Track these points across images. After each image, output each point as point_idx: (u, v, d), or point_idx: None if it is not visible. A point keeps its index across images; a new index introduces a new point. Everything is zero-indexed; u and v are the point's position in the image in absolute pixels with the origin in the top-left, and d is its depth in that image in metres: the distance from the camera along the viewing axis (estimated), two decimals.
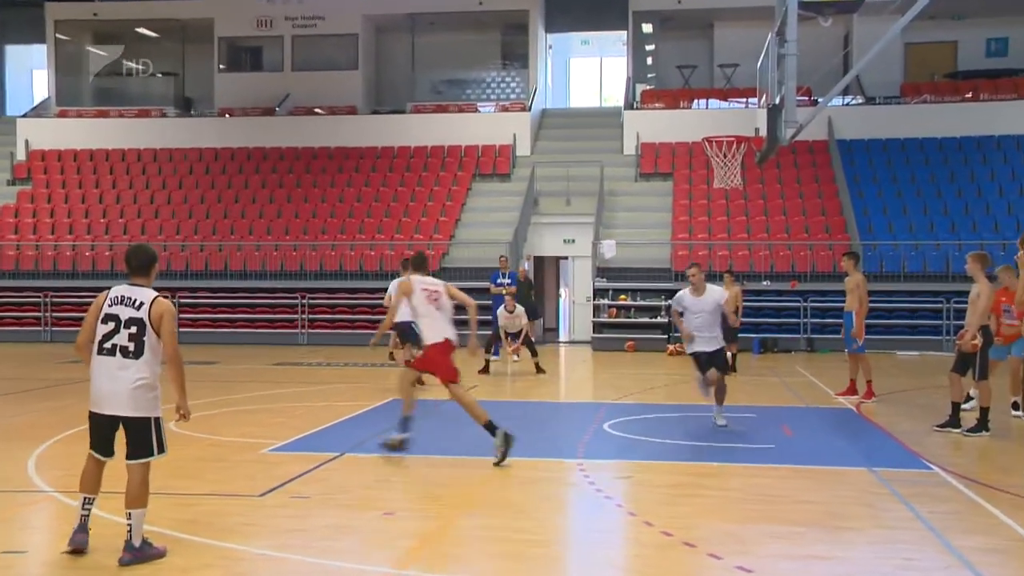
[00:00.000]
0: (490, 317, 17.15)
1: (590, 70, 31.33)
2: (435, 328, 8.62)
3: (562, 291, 25.88)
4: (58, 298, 22.07)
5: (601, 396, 13.80)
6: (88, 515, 5.66)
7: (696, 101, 26.59)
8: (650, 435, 9.91)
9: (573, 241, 23.29)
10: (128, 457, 5.60)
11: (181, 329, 21.55)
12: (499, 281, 17.90)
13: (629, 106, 26.41)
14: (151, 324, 5.52)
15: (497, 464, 8.05)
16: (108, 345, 5.53)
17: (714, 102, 26.33)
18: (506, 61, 29.05)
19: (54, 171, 26.15)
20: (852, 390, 12.51)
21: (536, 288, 22.74)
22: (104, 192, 25.16)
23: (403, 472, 8.07)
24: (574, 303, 23.33)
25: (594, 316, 21.13)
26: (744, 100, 24.93)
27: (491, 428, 8.26)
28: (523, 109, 26.69)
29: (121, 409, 5.53)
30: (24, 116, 28.01)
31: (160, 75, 29.79)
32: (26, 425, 10.33)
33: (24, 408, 11.56)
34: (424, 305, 8.62)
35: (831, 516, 6.62)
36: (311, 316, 21.69)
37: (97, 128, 27.29)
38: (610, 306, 20.96)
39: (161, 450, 5.65)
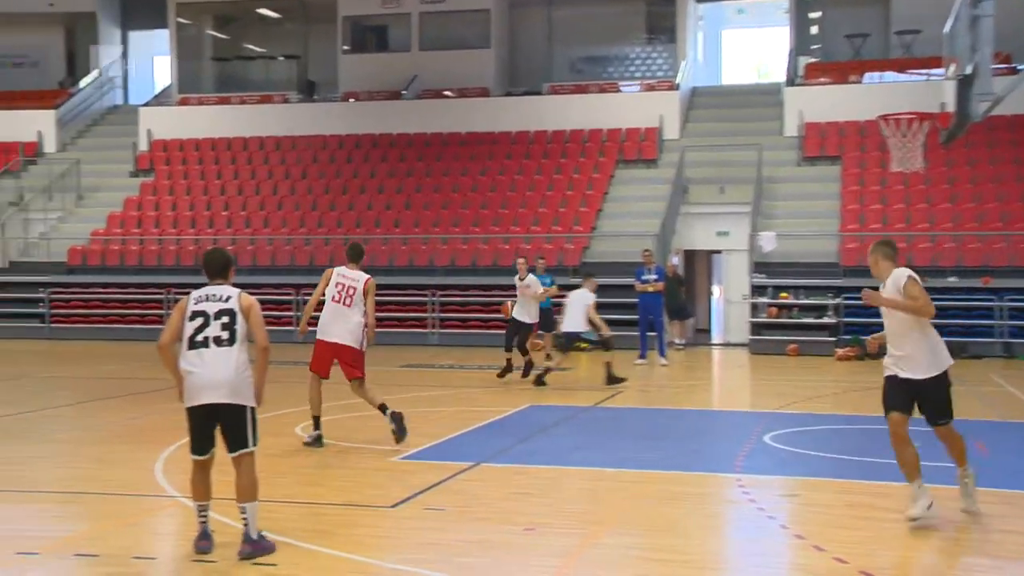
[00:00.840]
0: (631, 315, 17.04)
1: (746, 43, 30.74)
2: (333, 326, 9.63)
3: (715, 289, 25.51)
4: (181, 294, 23.11)
5: (761, 405, 13.56)
6: (206, 520, 6.05)
7: (869, 74, 25.73)
8: (818, 449, 9.67)
9: (727, 233, 22.92)
10: (229, 451, 6.02)
11: (309, 327, 22.28)
12: (644, 278, 17.81)
13: (791, 82, 25.79)
14: (241, 313, 6.04)
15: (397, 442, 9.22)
16: (200, 338, 6.00)
17: (890, 75, 25.40)
18: (652, 35, 28.81)
19: (176, 161, 27.49)
20: None
21: (686, 285, 22.52)
22: (226, 183, 26.28)
23: (544, 484, 8.13)
24: (728, 302, 22.96)
25: (751, 316, 20.74)
26: (926, 71, 23.94)
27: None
28: (671, 88, 26.43)
29: (221, 396, 5.95)
30: (146, 105, 29.54)
31: (282, 58, 30.90)
32: (151, 427, 10.91)
33: (149, 409, 12.20)
34: (330, 297, 9.58)
35: None
36: (442, 315, 22.08)
37: (218, 115, 28.53)
38: (769, 305, 20.53)
39: (255, 441, 6.08)
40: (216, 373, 5.96)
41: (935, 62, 23.37)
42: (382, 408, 9.53)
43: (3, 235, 25.49)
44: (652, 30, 28.78)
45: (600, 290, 21.30)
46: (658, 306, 17.89)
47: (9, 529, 6.64)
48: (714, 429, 11.58)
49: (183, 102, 29.44)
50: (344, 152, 26.87)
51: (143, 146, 28.19)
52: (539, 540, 6.46)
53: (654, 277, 17.78)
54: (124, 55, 32.50)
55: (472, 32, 28.37)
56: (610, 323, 20.80)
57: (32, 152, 28.52)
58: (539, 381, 14.34)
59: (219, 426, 6.08)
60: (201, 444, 6.07)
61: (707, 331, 24.71)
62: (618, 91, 27.44)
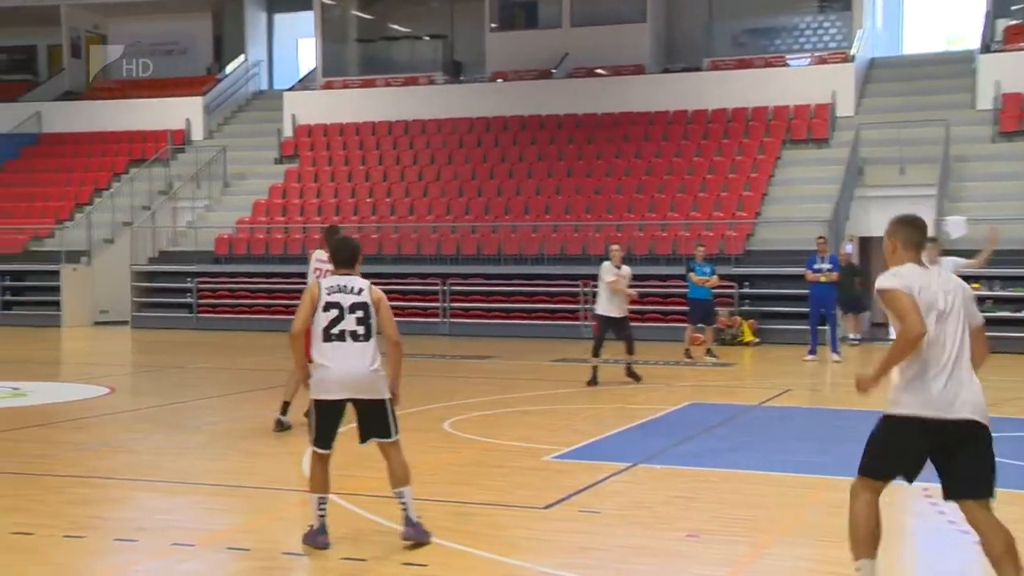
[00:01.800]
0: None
1: (933, 6, 29.55)
2: None
3: None
4: None
5: None
6: (325, 514, 6.27)
7: None
8: (1016, 457, 9.24)
9: None
10: (376, 438, 6.33)
11: (453, 320, 22.73)
12: (816, 267, 17.39)
13: (986, 48, 24.66)
14: (373, 307, 6.25)
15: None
16: (336, 331, 6.20)
17: None
18: (824, 2, 28.03)
19: (320, 147, 28.36)
20: None
21: (862, 275, 21.87)
22: (370, 169, 26.95)
23: (706, 488, 8.06)
24: None
25: None
26: None
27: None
28: (845, 59, 25.67)
29: (359, 392, 6.19)
30: (291, 89, 30.56)
31: (428, 38, 31.43)
32: (298, 420, 11.28)
33: (296, 402, 12.58)
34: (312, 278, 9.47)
35: None
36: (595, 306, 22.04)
37: (363, 99, 29.27)
38: None
39: (398, 430, 6.34)
40: (352, 368, 6.17)
41: None
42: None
43: (153, 224, 26.83)
44: None
45: (765, 280, 21.06)
46: (831, 298, 17.46)
47: (164, 520, 7.00)
48: None
49: (327, 86, 30.30)
50: (491, 135, 27.15)
51: (288, 132, 29.17)
52: (703, 547, 6.40)
53: (828, 266, 17.35)
54: (269, 39, 33.68)
55: (627, 5, 28.22)
56: (778, 316, 20.54)
57: (180, 140, 29.92)
58: (630, 374, 14.13)
59: (359, 420, 6.32)
60: (327, 437, 6.31)
61: (884, 325, 23.90)
62: (785, 65, 26.82)
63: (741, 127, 25.12)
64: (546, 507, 7.30)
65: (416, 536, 6.21)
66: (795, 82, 25.68)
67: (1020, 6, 26.39)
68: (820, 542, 6.59)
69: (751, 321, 20.48)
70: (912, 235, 5.28)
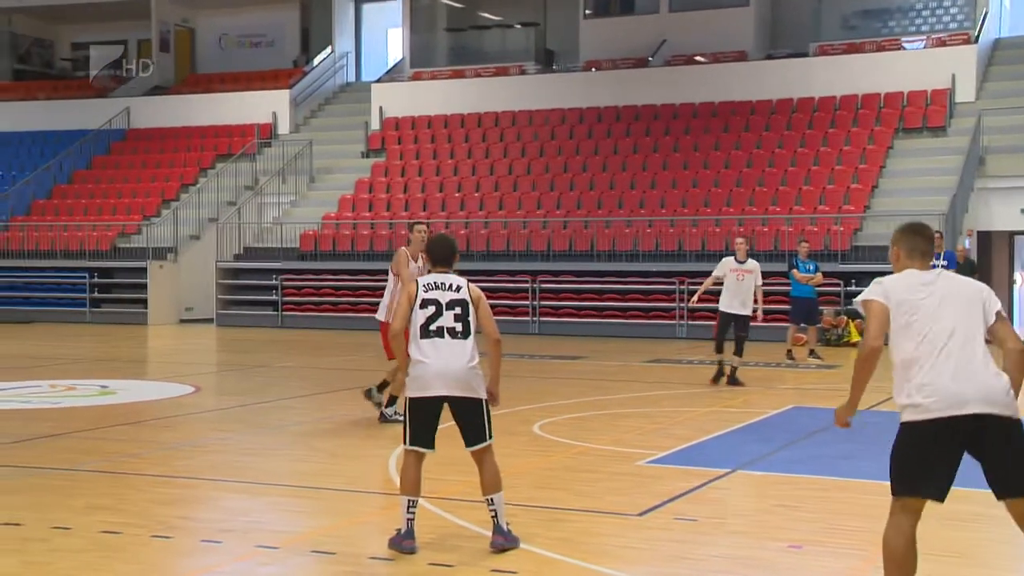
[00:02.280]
0: None
1: None
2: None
3: (1018, 276, 24.09)
4: None
5: None
6: (414, 517, 6.31)
7: None
8: None
9: None
10: (467, 445, 6.35)
11: (543, 319, 22.76)
12: (932, 263, 16.98)
13: None
14: (472, 304, 6.35)
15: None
16: (434, 328, 6.27)
17: None
18: None
19: (408, 140, 28.64)
20: None
21: (981, 272, 21.32)
22: (459, 163, 27.12)
23: (810, 497, 7.93)
24: None
25: None
26: None
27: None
28: (966, 41, 25.04)
29: (456, 390, 6.25)
30: (378, 81, 30.91)
31: (519, 26, 31.50)
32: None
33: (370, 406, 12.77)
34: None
35: None
36: (691, 305, 21.88)
37: (451, 90, 29.47)
38: None
39: (491, 434, 6.38)
40: (450, 365, 6.23)
41: None
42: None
43: (239, 220, 27.41)
44: None
45: (873, 278, 20.60)
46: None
47: (250, 521, 7.14)
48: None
49: (415, 77, 30.59)
50: (585, 127, 27.11)
51: (375, 125, 29.52)
52: (808, 560, 6.30)
53: (943, 263, 16.94)
54: (357, 30, 34.12)
55: None
56: None
57: (267, 134, 30.51)
58: (733, 380, 13.97)
59: (456, 420, 6.38)
60: (424, 436, 6.37)
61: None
62: (900, 48, 26.29)
63: (850, 115, 24.69)
64: (640, 514, 7.26)
65: (505, 544, 6.25)
66: (910, 66, 25.16)
67: None
68: (941, 557, 6.42)
69: (858, 321, 20.08)
70: (917, 243, 5.20)
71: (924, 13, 27.17)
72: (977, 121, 22.60)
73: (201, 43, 34.80)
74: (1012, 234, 23.28)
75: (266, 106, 30.94)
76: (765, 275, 20.89)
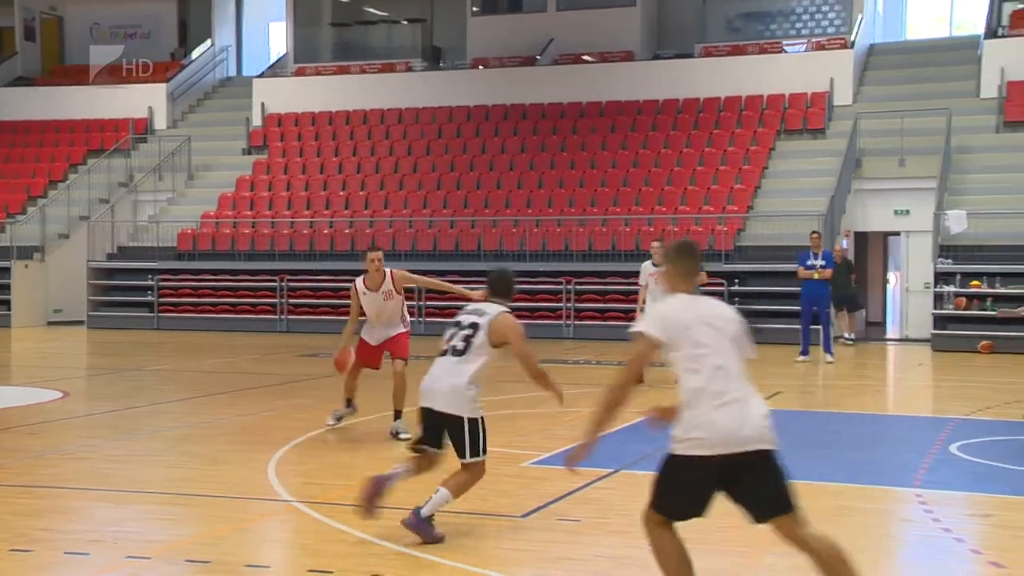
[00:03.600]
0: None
1: None
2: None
3: (891, 276, 24.87)
4: (295, 281, 23.85)
5: (946, 409, 13.14)
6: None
7: None
8: (1016, 462, 9.31)
9: (907, 212, 22.27)
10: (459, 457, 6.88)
11: (427, 319, 22.70)
12: (810, 263, 17.45)
13: (991, 34, 24.82)
14: (485, 328, 6.89)
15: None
16: (445, 347, 6.98)
17: None
18: None
19: (291, 137, 28.29)
20: None
21: (857, 271, 21.98)
22: (344, 160, 26.90)
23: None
24: (907, 291, 22.32)
25: (935, 307, 20.10)
26: None
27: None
28: (844, 46, 25.79)
29: (436, 404, 6.89)
30: (260, 76, 30.46)
31: (405, 22, 31.38)
32: (262, 426, 11.28)
33: (261, 406, 12.61)
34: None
35: None
36: (578, 305, 22.11)
37: (336, 86, 29.21)
38: (957, 295, 19.86)
39: (471, 454, 6.89)
40: (436, 381, 6.84)
41: None
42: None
43: (112, 218, 26.71)
44: None
45: (755, 277, 21.11)
46: (824, 296, 17.53)
47: (120, 531, 6.97)
48: (889, 436, 11.28)
49: (299, 72, 30.24)
50: (472, 125, 27.15)
51: (256, 121, 29.08)
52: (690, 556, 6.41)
53: (821, 263, 17.41)
54: (238, 23, 33.55)
55: None
56: (768, 315, 20.59)
57: (142, 129, 29.80)
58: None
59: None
60: (427, 438, 7.07)
61: (881, 324, 24.06)
62: (781, 51, 26.95)
63: (734, 117, 25.20)
64: (523, 515, 7.32)
65: (411, 525, 6.52)
66: (791, 69, 25.79)
67: None
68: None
69: None
70: (692, 266, 5.19)
71: (804, 17, 27.91)
72: (854, 124, 23.27)
73: (70, 33, 33.75)
74: (886, 234, 24.04)
75: (142, 100, 30.21)
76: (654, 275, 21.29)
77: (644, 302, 14.41)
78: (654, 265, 14.10)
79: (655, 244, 14.61)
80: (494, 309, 6.98)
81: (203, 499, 7.94)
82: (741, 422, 4.82)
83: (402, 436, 9.70)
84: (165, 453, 9.94)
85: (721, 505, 5.03)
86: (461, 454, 6.76)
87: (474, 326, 6.84)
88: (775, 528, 5.00)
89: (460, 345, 6.77)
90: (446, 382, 6.70)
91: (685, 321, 4.99)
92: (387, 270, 10.42)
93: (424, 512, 6.52)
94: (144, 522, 7.35)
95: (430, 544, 6.44)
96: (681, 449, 4.92)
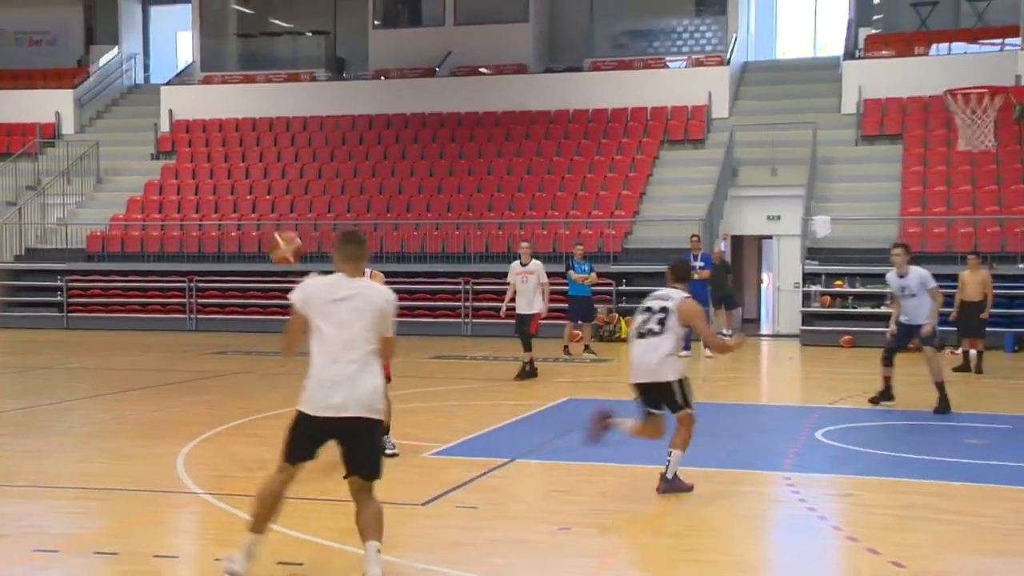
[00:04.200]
0: None
1: (802, 14, 30.45)
2: None
3: (764, 276, 25.40)
4: (203, 282, 23.43)
5: (812, 399, 13.50)
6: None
7: (936, 46, 25.42)
8: (874, 446, 9.63)
9: (778, 218, 22.79)
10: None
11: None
12: (691, 265, 17.72)
13: (850, 55, 25.55)
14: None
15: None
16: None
17: (959, 46, 25.06)
18: (701, 6, 28.67)
19: (199, 143, 27.76)
20: None
21: (734, 272, 22.42)
22: (251, 165, 26.50)
23: (580, 482, 8.18)
24: (779, 290, 22.85)
25: (803, 305, 20.64)
26: (1000, 41, 23.63)
27: None
28: (720, 63, 26.29)
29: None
30: (168, 83, 29.83)
31: (310, 34, 31.06)
32: (172, 421, 11.07)
33: (169, 402, 12.36)
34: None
35: None
36: (476, 304, 22.15)
37: (243, 94, 28.75)
38: (822, 293, 20.42)
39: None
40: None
41: (1011, 31, 22.95)
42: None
43: (20, 221, 25.89)
44: (701, 1, 28.63)
45: (641, 277, 21.40)
46: (704, 295, 17.82)
47: (27, 525, 6.78)
48: (762, 424, 11.54)
49: (206, 81, 29.70)
50: (374, 132, 27.00)
51: (164, 127, 28.49)
52: (575, 540, 6.50)
53: (701, 264, 17.72)
54: (145, 31, 32.80)
55: (510, 5, 28.36)
56: None
57: (50, 134, 28.93)
58: (527, 374, 14.44)
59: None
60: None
61: (755, 321, 24.58)
62: (664, 67, 27.34)
63: (620, 127, 25.50)
64: (424, 503, 7.33)
65: (667, 490, 7.47)
66: (672, 84, 26.17)
67: (880, 16, 27.43)
68: (690, 532, 6.76)
69: (628, 318, 20.80)
70: (351, 250, 5.68)
71: (684, 36, 28.37)
72: (730, 136, 23.73)
73: None
74: (760, 238, 24.56)
75: (48, 105, 29.32)
76: (553, 275, 21.43)
77: (511, 299, 14.79)
78: (522, 265, 14.40)
79: (524, 244, 15.19)
80: (678, 295, 7.70)
81: (113, 492, 7.78)
82: (348, 391, 5.33)
83: (388, 452, 8.97)
84: (75, 449, 9.69)
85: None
86: (674, 409, 7.64)
87: (664, 310, 7.61)
88: (349, 485, 5.55)
89: (656, 328, 7.59)
90: (651, 358, 7.57)
91: (325, 297, 5.50)
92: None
93: (669, 474, 7.49)
94: (53, 516, 7.16)
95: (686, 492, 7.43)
96: (299, 404, 5.48)
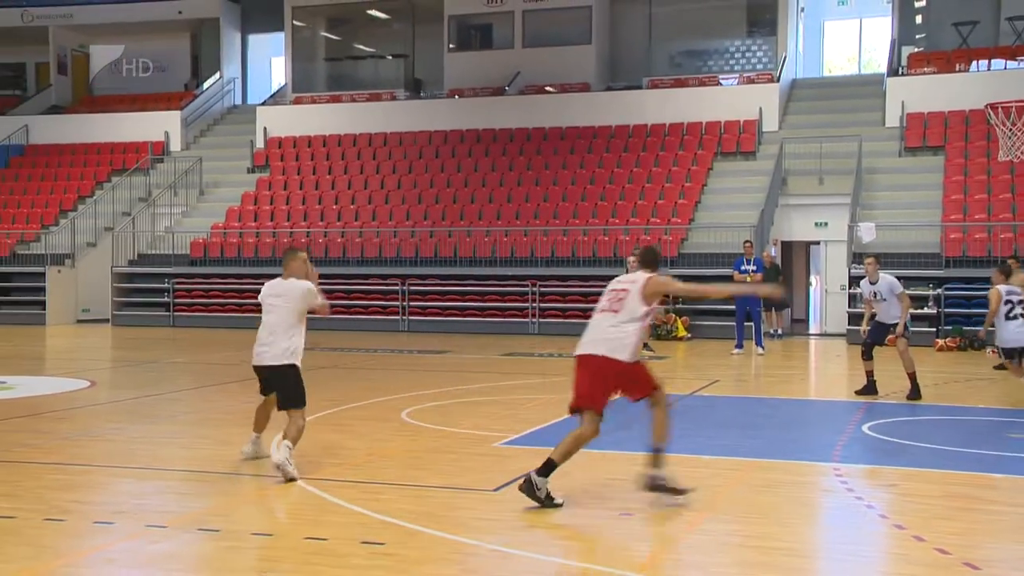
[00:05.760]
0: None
1: (847, 33, 29.95)
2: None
3: (813, 279, 25.02)
4: None
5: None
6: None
7: (976, 63, 24.84)
8: (918, 439, 9.41)
9: (826, 224, 22.43)
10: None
11: (412, 317, 22.65)
12: (743, 268, 17.55)
13: (893, 72, 25.06)
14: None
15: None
16: None
17: (999, 62, 24.47)
18: (752, 27, 28.31)
19: (290, 158, 28.13)
20: None
21: (784, 275, 22.13)
22: (337, 178, 26.79)
23: (636, 471, 8.08)
24: (826, 292, 22.48)
25: (849, 307, 20.27)
26: None
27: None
28: (770, 80, 25.95)
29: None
30: (263, 104, 30.29)
31: (390, 57, 31.32)
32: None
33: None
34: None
35: None
36: (542, 305, 22.12)
37: (330, 113, 29.09)
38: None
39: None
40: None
41: None
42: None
43: (133, 229, 26.48)
44: (752, 23, 28.28)
45: (697, 281, 21.15)
46: (756, 298, 17.62)
47: (139, 504, 6.91)
48: (812, 418, 11.36)
49: (297, 101, 30.09)
50: (448, 147, 27.11)
51: (260, 144, 28.92)
52: (637, 525, 6.44)
53: (753, 268, 17.52)
54: (243, 57, 33.39)
55: (573, 29, 28.29)
56: (708, 313, 20.71)
57: (159, 151, 29.56)
58: None
59: None
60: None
61: (804, 321, 24.23)
62: (717, 84, 27.06)
63: (677, 140, 25.29)
64: (495, 490, 7.31)
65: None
66: (726, 100, 25.90)
67: (923, 35, 26.85)
68: (747, 519, 6.65)
69: (684, 318, 20.64)
70: (287, 261, 8.07)
71: (736, 55, 28.05)
72: (780, 148, 23.42)
73: (97, 67, 33.50)
74: (808, 244, 24.19)
75: (159, 126, 29.98)
76: (606, 278, 21.27)
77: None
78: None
79: (632, 256, 14.23)
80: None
81: (214, 475, 7.88)
82: (267, 351, 7.79)
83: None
84: (181, 436, 9.87)
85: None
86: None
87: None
88: (287, 413, 7.68)
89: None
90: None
91: (266, 294, 7.95)
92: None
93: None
94: (162, 496, 7.29)
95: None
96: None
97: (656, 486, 6.81)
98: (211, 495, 7.33)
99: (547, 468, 6.69)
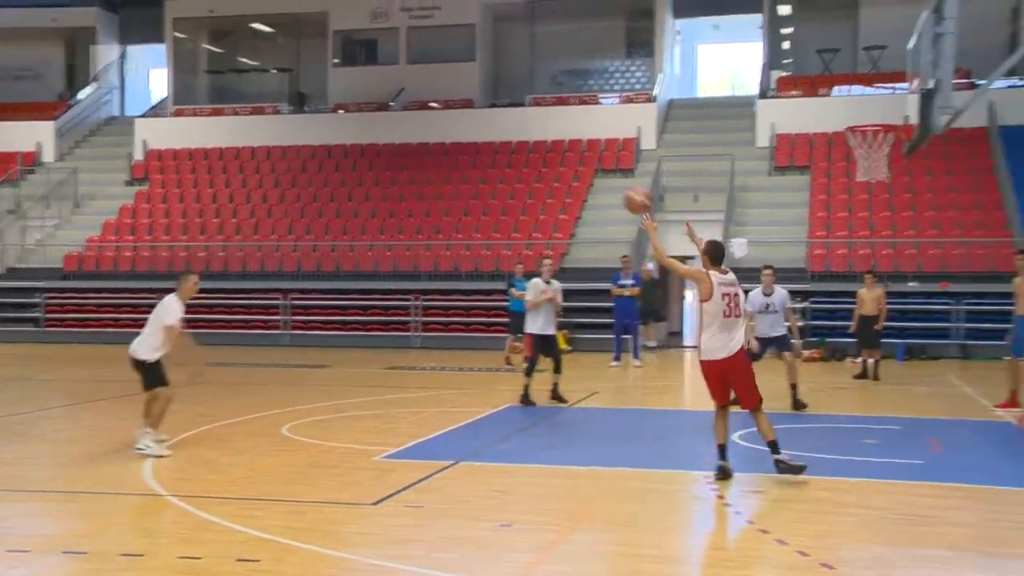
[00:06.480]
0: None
1: (720, 57, 30.88)
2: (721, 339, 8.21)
3: (688, 293, 25.57)
4: None
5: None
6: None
7: (837, 88, 25.89)
8: (784, 447, 9.65)
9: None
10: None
11: (293, 331, 22.26)
12: (621, 282, 17.83)
13: (763, 95, 25.91)
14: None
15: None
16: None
17: (858, 88, 25.56)
18: (631, 49, 28.91)
19: (170, 171, 27.38)
20: (1014, 402, 11.96)
21: (661, 289, 22.56)
22: (218, 191, 26.19)
23: (520, 483, 8.14)
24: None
25: None
26: (891, 86, 24.07)
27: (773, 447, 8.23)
28: (648, 100, 26.51)
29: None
30: (142, 116, 29.42)
31: (274, 71, 30.85)
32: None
33: (137, 412, 12.10)
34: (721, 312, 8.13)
35: (986, 541, 6.37)
36: (425, 319, 22.05)
37: (212, 126, 28.44)
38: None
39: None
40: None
41: (900, 77, 23.40)
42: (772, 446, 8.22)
43: (1, 242, 25.32)
44: (631, 44, 28.89)
45: (577, 295, 21.45)
46: (633, 310, 17.94)
47: (2, 527, 6.59)
48: (685, 428, 11.58)
49: (178, 113, 29.35)
50: (332, 161, 26.83)
51: (138, 156, 28.09)
52: (514, 536, 6.46)
53: (631, 282, 17.81)
54: (121, 68, 32.38)
55: (458, 46, 28.39)
56: (586, 327, 20.96)
57: (31, 162, 28.39)
58: (556, 396, 12.70)
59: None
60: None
61: (679, 334, 24.76)
62: (597, 103, 27.50)
63: (558, 157, 25.59)
64: (375, 503, 7.23)
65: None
66: (605, 118, 26.33)
67: (790, 60, 27.86)
68: (619, 527, 6.76)
69: (564, 331, 20.82)
70: (180, 284, 9.49)
71: (616, 75, 28.60)
72: (657, 165, 23.93)
73: None
74: (684, 258, 24.62)
75: (30, 136, 28.77)
76: (489, 293, 21.45)
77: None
78: (545, 283, 12.96)
79: (546, 262, 13.58)
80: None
81: (83, 496, 7.59)
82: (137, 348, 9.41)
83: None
84: (50, 455, 9.46)
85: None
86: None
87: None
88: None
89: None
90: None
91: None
92: None
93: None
94: (26, 518, 6.97)
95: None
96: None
97: (783, 468, 7.99)
98: (79, 516, 7.05)
99: (776, 444, 8.10)
